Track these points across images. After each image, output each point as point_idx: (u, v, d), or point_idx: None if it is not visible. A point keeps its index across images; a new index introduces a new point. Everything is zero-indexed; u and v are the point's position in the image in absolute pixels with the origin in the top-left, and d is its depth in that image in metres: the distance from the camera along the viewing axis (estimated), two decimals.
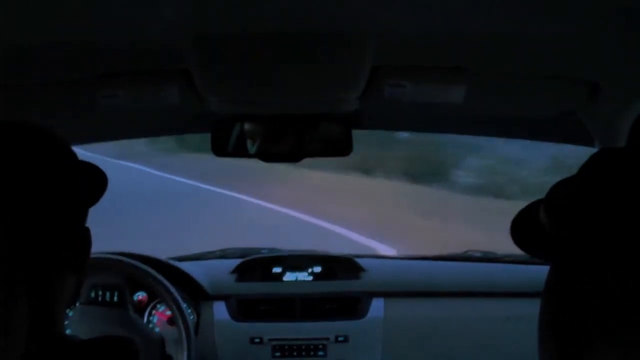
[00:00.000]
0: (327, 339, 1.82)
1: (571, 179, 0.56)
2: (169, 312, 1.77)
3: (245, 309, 1.87)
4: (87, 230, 0.70)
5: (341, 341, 1.82)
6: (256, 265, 1.96)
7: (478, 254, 2.14)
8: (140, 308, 1.82)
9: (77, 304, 1.73)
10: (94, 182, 0.70)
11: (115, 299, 1.74)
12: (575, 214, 0.53)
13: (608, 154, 0.54)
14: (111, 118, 1.28)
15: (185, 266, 1.92)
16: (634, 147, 0.56)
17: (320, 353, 1.82)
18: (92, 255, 0.70)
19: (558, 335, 0.52)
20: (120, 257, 1.72)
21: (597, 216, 0.51)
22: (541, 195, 0.58)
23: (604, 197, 0.51)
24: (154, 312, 1.83)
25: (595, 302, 0.49)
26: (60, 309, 0.68)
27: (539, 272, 0.68)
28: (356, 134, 1.38)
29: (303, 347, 1.82)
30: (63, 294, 0.67)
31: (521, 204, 0.62)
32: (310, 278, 1.94)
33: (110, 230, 2.35)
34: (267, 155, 1.38)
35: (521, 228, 0.64)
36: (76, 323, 1.69)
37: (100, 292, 1.73)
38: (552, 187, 0.56)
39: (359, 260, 1.97)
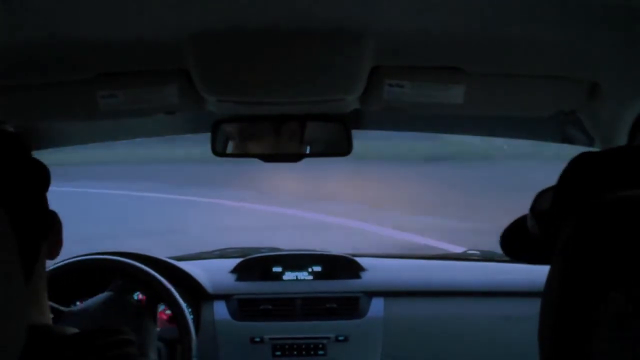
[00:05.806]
0: (327, 338, 1.82)
1: (553, 186, 0.59)
2: (168, 312, 1.77)
3: (245, 308, 1.87)
4: (54, 212, 0.73)
5: (341, 340, 1.82)
6: (256, 265, 1.96)
7: (477, 254, 2.15)
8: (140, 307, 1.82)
9: (77, 303, 1.71)
10: (42, 172, 0.73)
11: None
12: (559, 214, 0.55)
13: (585, 158, 0.57)
14: (110, 118, 1.28)
15: (184, 266, 1.92)
16: (611, 149, 0.59)
17: (320, 352, 1.82)
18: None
19: (558, 335, 0.52)
20: (119, 258, 1.72)
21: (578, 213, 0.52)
22: None
23: (586, 194, 0.53)
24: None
25: (595, 301, 0.49)
26: (45, 296, 0.70)
27: (538, 271, 0.68)
28: None
29: (303, 346, 1.82)
30: (43, 279, 0.70)
31: None
32: (310, 277, 1.94)
33: None
34: (267, 155, 1.38)
35: (510, 239, 0.68)
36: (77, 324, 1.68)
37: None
38: (537, 195, 0.60)
39: (359, 260, 1.97)
